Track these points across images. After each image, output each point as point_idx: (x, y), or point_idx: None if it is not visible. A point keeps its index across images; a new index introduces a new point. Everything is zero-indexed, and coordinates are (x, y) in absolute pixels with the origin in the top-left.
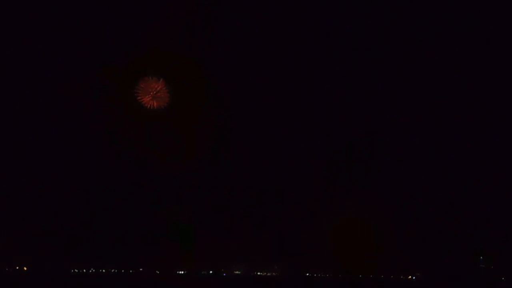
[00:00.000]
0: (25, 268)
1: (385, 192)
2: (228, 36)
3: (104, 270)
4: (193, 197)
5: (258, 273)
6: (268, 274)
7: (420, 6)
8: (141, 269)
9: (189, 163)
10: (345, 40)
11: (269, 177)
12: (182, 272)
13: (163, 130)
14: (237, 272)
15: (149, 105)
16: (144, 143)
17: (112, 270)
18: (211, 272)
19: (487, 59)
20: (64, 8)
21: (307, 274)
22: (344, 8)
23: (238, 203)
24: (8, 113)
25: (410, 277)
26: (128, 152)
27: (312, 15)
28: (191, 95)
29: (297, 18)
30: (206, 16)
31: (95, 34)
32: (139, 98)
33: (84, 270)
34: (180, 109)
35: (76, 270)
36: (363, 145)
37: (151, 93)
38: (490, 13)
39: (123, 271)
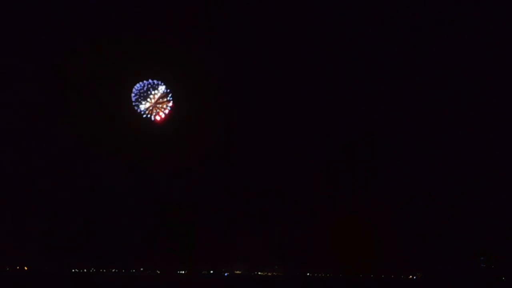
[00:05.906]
0: (25, 268)
1: (385, 193)
2: (229, 36)
3: (104, 270)
4: (194, 198)
5: (259, 273)
6: (269, 274)
7: (420, 6)
8: (141, 269)
9: (190, 164)
10: (347, 40)
11: (270, 177)
12: (182, 272)
13: (164, 131)
14: (237, 272)
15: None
16: (145, 143)
17: (113, 270)
18: (211, 272)
19: (487, 59)
20: (63, 7)
21: (307, 274)
22: (346, 9)
23: (239, 204)
24: (8, 113)
25: (410, 277)
26: (129, 153)
27: (313, 16)
28: (192, 95)
29: (298, 19)
30: (206, 16)
31: (94, 33)
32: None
33: (85, 270)
34: (181, 110)
35: (77, 270)
36: (364, 146)
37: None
38: (490, 13)
39: (123, 271)
